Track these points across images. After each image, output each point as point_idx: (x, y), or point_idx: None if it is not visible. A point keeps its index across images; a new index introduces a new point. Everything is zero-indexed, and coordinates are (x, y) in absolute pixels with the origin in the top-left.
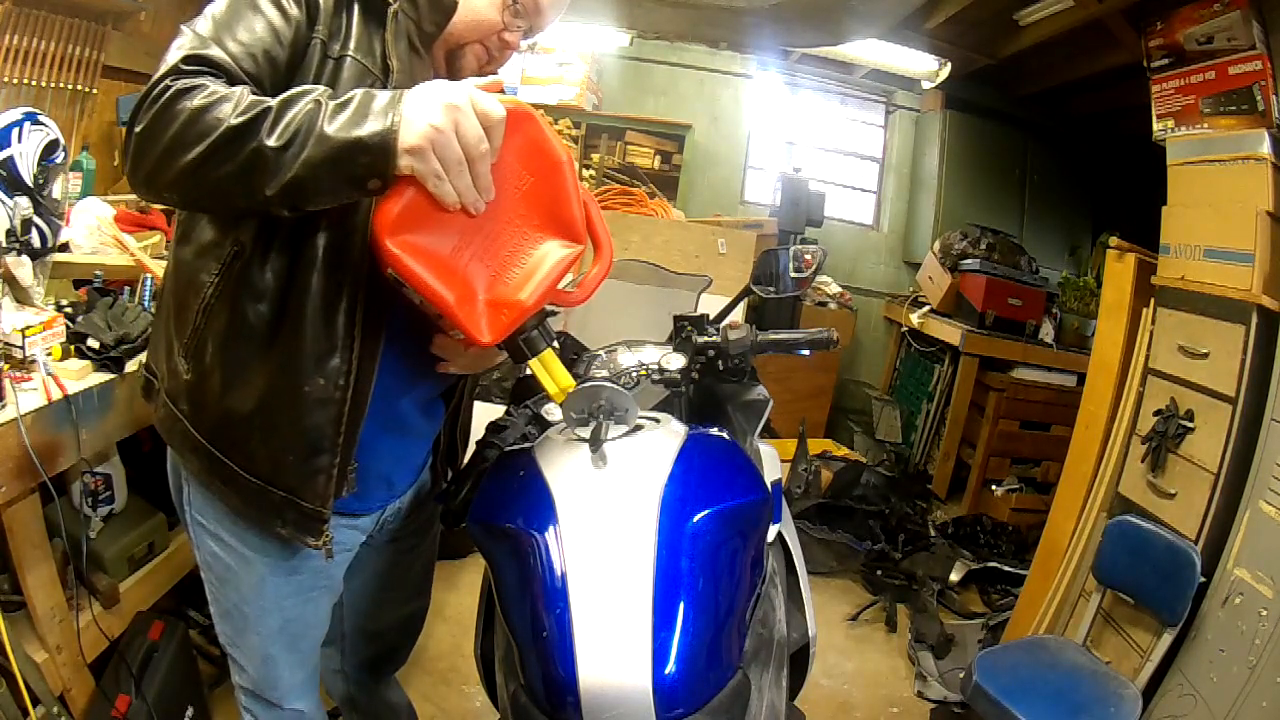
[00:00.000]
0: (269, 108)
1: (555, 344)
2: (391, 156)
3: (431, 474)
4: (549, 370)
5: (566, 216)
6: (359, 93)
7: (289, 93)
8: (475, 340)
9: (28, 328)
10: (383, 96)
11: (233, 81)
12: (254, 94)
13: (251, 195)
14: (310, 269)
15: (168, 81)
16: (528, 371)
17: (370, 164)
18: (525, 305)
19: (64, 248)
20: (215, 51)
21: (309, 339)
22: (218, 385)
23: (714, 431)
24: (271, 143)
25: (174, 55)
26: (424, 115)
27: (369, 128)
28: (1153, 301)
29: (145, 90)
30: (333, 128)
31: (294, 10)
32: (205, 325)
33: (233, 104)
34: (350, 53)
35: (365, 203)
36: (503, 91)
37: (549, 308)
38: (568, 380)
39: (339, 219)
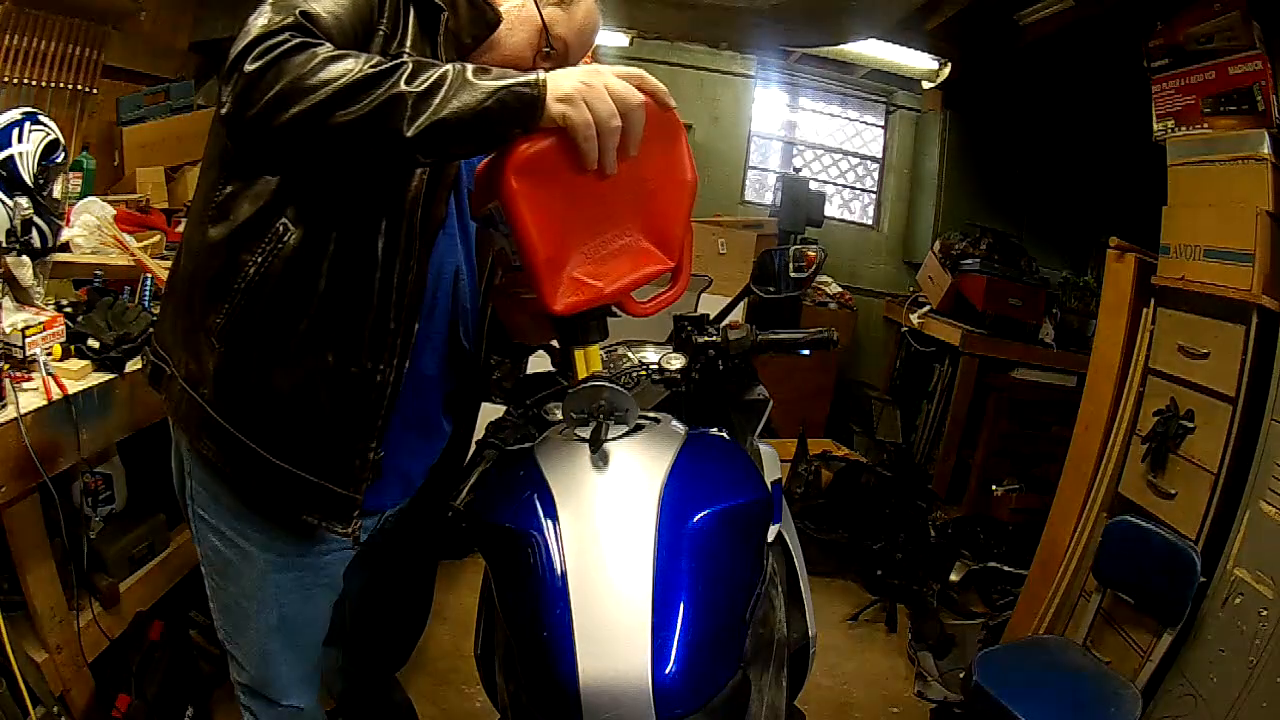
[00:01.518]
0: (404, 63)
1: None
2: (542, 104)
3: (434, 473)
4: (589, 364)
5: (671, 233)
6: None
7: (420, 58)
8: (546, 302)
9: (28, 328)
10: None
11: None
12: (380, 57)
13: (384, 138)
14: (364, 254)
15: (288, 34)
16: (528, 371)
17: (519, 110)
18: (602, 292)
19: (64, 248)
20: (325, 15)
21: (362, 322)
22: (256, 366)
23: (714, 431)
24: (411, 88)
25: (282, 11)
26: (571, 77)
27: (518, 80)
28: (1153, 301)
29: (256, 35)
30: (480, 80)
31: None
32: (246, 305)
33: (362, 59)
34: (408, 50)
35: (415, 186)
36: (640, 86)
37: (612, 307)
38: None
39: (393, 203)
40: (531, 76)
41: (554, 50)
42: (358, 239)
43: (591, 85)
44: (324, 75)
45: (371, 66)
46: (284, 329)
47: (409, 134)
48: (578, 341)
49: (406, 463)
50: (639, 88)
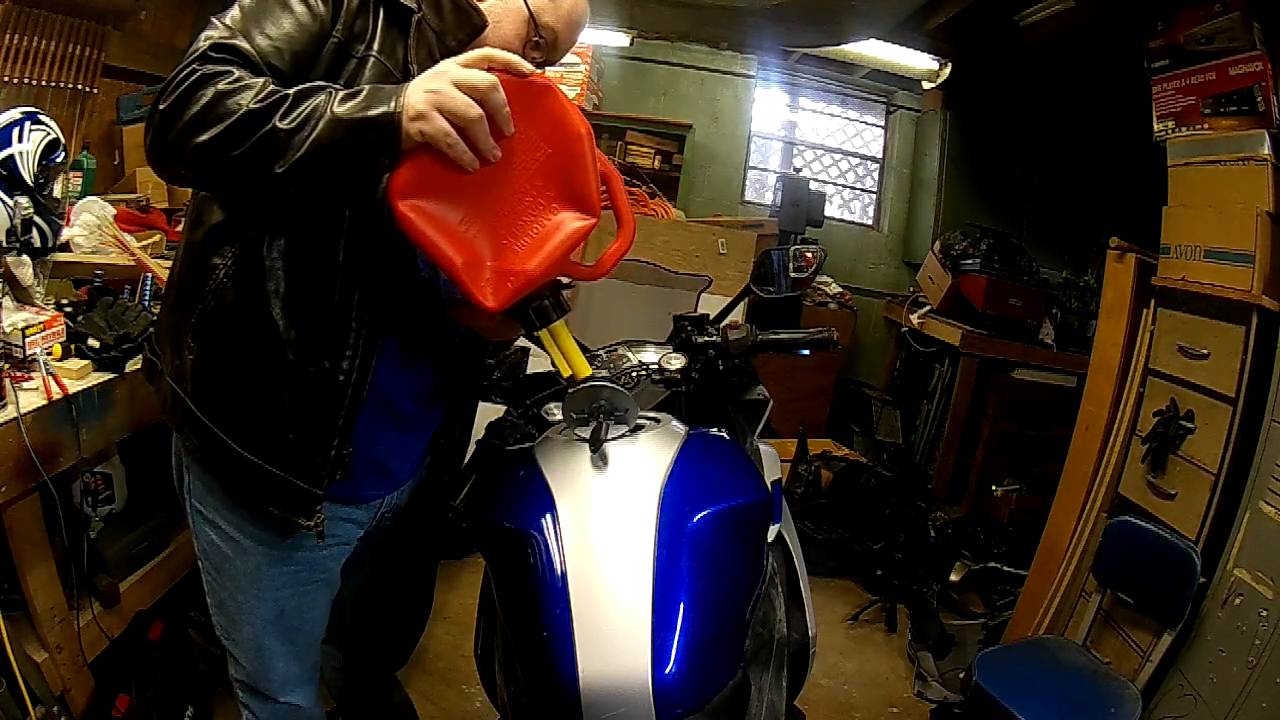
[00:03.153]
0: (286, 95)
1: (566, 316)
2: (397, 132)
3: (433, 471)
4: (560, 344)
5: (582, 189)
6: (366, 86)
7: (305, 85)
8: (480, 305)
9: (28, 327)
10: (388, 87)
11: (256, 73)
12: (275, 85)
13: (262, 174)
14: (325, 256)
15: (194, 65)
16: (528, 371)
17: (377, 141)
18: (531, 273)
19: (64, 247)
20: (243, 43)
21: (320, 322)
22: (225, 364)
23: (714, 431)
24: (284, 125)
25: (203, 43)
26: (418, 89)
27: (376, 110)
28: (1153, 302)
29: (173, 73)
30: (342, 110)
31: (320, 8)
32: (215, 306)
33: (254, 92)
34: (374, 53)
35: (382, 189)
36: (490, 66)
37: (563, 280)
38: (578, 356)
39: (358, 205)
40: (386, 106)
41: (543, 39)
42: (320, 242)
43: (438, 90)
44: (218, 111)
45: (258, 101)
46: (249, 329)
47: (279, 171)
48: (536, 325)
49: (383, 456)
50: (489, 68)
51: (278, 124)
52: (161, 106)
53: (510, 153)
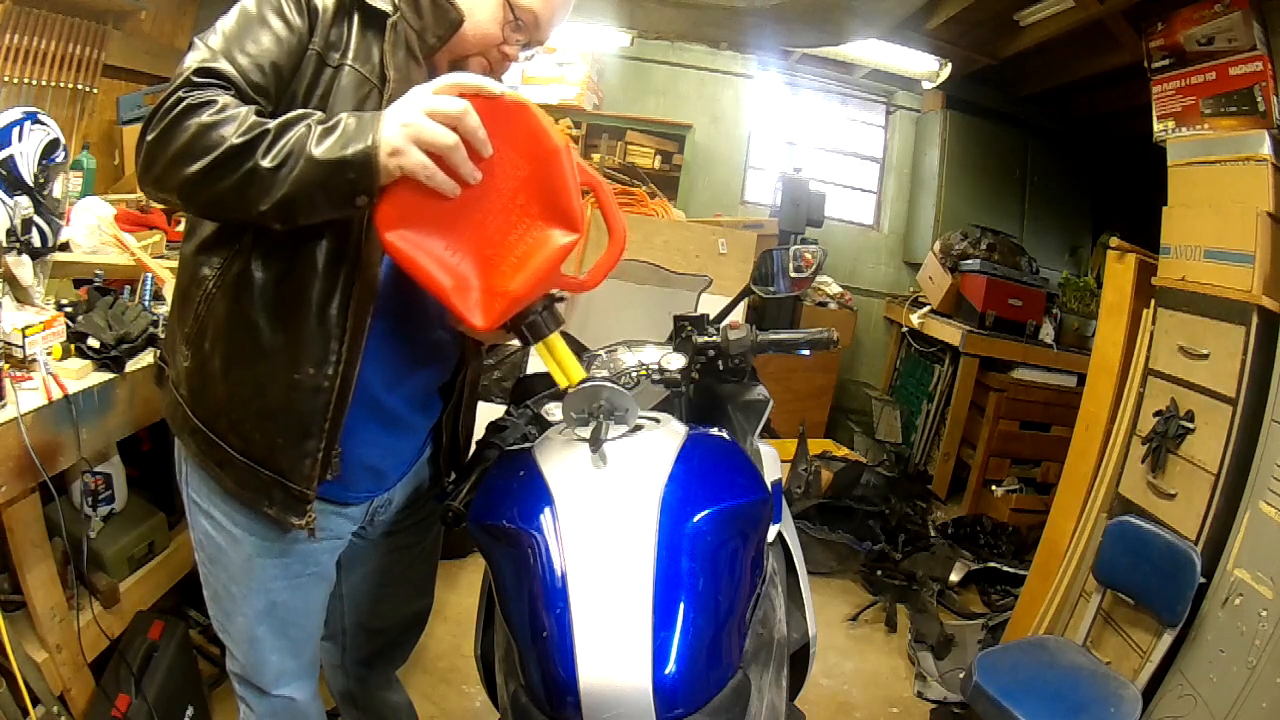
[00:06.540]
0: (268, 130)
1: (561, 329)
2: (375, 172)
3: (432, 470)
4: (556, 356)
5: (564, 204)
6: (344, 116)
7: (287, 116)
8: (470, 326)
9: (28, 327)
10: (365, 118)
11: (241, 94)
12: (258, 114)
13: (246, 209)
14: (307, 266)
15: (180, 94)
16: (528, 371)
17: (356, 180)
18: (516, 295)
19: (64, 247)
20: (225, 65)
21: (303, 331)
22: (216, 371)
23: (714, 431)
24: (266, 163)
25: (187, 68)
26: (393, 122)
27: (353, 148)
28: (1153, 302)
29: (159, 101)
30: (320, 150)
31: (297, 21)
32: (206, 315)
33: (236, 124)
34: (349, 62)
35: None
36: (462, 92)
37: (556, 293)
38: (574, 366)
39: (335, 220)
40: (363, 144)
41: (523, 21)
42: (303, 255)
43: (411, 121)
44: (203, 144)
45: (240, 135)
46: (236, 338)
47: (263, 209)
48: (530, 340)
49: (373, 457)
50: (460, 93)
51: (260, 161)
52: (149, 137)
53: (490, 173)
